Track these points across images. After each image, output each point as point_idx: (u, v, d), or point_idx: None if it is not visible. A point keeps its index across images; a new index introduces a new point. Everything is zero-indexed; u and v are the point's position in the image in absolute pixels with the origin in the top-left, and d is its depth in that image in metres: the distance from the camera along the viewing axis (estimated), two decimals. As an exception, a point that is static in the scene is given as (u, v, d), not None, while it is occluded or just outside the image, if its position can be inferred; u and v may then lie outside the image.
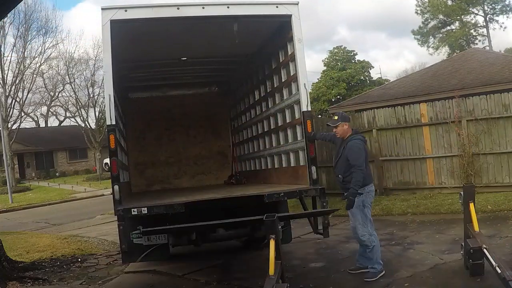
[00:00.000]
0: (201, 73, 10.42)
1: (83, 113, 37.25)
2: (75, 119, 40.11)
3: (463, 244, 5.47)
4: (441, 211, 9.62)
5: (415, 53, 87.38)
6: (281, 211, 6.81)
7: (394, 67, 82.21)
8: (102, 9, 5.86)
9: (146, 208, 5.59)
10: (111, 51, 5.86)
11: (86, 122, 37.07)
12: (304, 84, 6.36)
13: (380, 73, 46.18)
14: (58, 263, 8.02)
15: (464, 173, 10.72)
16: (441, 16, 42.34)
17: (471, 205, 5.34)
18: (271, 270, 4.44)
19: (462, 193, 5.45)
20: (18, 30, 31.81)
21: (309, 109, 6.41)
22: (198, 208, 5.96)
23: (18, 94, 33.36)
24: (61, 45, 35.12)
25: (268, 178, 8.53)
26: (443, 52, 42.69)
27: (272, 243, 4.58)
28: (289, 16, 6.36)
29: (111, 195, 5.85)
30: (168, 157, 11.22)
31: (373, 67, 35.38)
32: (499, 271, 4.52)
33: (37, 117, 49.94)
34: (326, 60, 35.59)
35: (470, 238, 5.22)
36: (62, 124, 50.02)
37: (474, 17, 42.76)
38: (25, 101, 35.28)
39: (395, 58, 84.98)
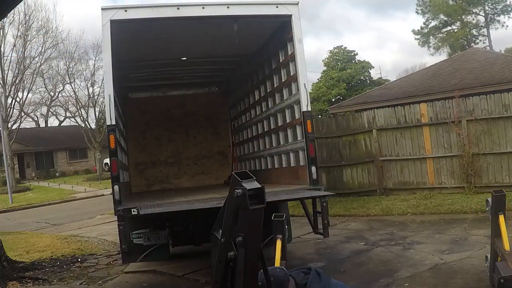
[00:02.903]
0: (201, 73, 10.43)
1: (83, 113, 37.29)
2: (75, 119, 40.14)
3: (488, 263, 4.62)
4: (441, 211, 9.61)
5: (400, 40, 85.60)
6: (281, 210, 6.81)
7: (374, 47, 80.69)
8: (102, 9, 5.87)
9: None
10: (111, 51, 5.86)
11: (86, 122, 37.08)
12: (304, 84, 6.36)
13: (380, 73, 46.15)
14: (58, 263, 8.02)
15: (464, 173, 10.73)
16: (442, 16, 42.33)
17: (501, 218, 4.35)
18: None
19: (489, 200, 4.51)
20: (18, 30, 31.80)
21: (309, 109, 6.41)
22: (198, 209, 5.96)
23: (18, 94, 33.39)
24: (61, 45, 34.85)
25: (268, 178, 8.53)
26: (444, 52, 42.76)
27: (278, 243, 4.53)
28: (289, 16, 6.37)
29: (111, 195, 5.85)
30: (168, 157, 11.22)
31: (373, 67, 35.39)
32: None
33: (37, 117, 50.03)
34: (326, 60, 35.59)
35: (500, 262, 4.28)
36: (62, 124, 50.04)
37: (475, 17, 42.79)
38: (25, 101, 35.34)
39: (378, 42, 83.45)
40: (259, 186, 2.57)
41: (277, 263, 4.45)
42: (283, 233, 4.63)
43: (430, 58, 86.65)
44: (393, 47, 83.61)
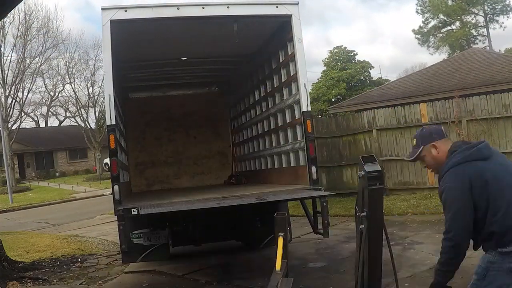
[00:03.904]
0: (201, 73, 10.43)
1: (83, 113, 37.32)
2: (75, 119, 40.19)
3: None
4: (441, 211, 9.53)
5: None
6: (280, 210, 6.80)
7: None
8: (102, 9, 5.86)
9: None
10: (111, 51, 5.86)
11: (86, 122, 37.10)
12: (304, 84, 6.35)
13: (380, 72, 46.28)
14: (58, 263, 8.02)
15: (464, 173, 10.72)
16: (441, 16, 42.36)
17: None
18: (278, 266, 4.42)
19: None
20: (18, 30, 31.82)
21: (309, 109, 6.40)
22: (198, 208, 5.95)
23: (18, 94, 33.41)
24: (62, 45, 34.95)
25: (268, 178, 8.52)
26: (444, 52, 42.79)
27: (280, 241, 4.55)
28: (289, 16, 6.36)
29: (111, 195, 5.84)
30: (168, 157, 11.22)
31: (373, 67, 35.43)
32: None
33: (37, 117, 50.06)
34: (326, 60, 35.61)
35: None
36: (62, 124, 50.06)
37: (475, 17, 42.82)
38: (25, 101, 35.36)
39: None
40: (379, 169, 2.90)
41: (279, 261, 4.45)
42: (285, 231, 4.63)
43: (430, 57, 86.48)
44: (391, 41, 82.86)
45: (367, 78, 34.66)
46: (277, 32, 7.15)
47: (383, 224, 3.05)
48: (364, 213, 2.98)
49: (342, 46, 35.59)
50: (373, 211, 2.96)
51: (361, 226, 2.99)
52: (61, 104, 43.15)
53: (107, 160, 29.31)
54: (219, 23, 6.64)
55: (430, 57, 79.61)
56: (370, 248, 2.99)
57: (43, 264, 8.01)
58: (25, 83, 33.94)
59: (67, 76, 37.12)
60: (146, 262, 7.03)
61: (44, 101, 42.63)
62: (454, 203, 2.75)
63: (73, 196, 25.99)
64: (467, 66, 17.45)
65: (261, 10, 6.49)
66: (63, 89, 39.18)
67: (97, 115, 37.81)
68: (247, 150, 10.10)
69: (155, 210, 5.41)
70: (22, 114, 35.94)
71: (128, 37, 6.72)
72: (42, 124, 50.83)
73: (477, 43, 41.96)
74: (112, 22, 5.80)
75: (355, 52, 35.58)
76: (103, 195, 24.05)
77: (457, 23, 42.79)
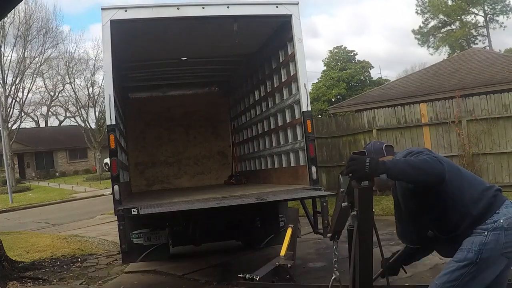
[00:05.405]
0: (201, 73, 10.43)
1: (83, 113, 37.31)
2: (75, 119, 40.17)
3: None
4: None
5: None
6: (281, 210, 6.82)
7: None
8: (102, 9, 5.87)
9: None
10: (111, 51, 5.86)
11: (86, 122, 37.08)
12: (304, 84, 6.36)
13: (380, 72, 46.30)
14: (58, 263, 8.02)
15: (464, 173, 10.73)
16: (441, 16, 42.34)
17: None
18: (283, 252, 4.49)
19: None
20: (18, 30, 31.81)
21: (309, 109, 6.40)
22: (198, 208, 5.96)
23: (18, 94, 33.42)
24: (62, 45, 35.04)
25: (268, 178, 8.53)
26: (444, 52, 42.77)
27: (289, 231, 4.63)
28: (289, 16, 6.36)
29: (111, 195, 5.85)
30: (168, 157, 11.23)
31: (373, 67, 35.45)
32: None
33: (37, 117, 50.01)
34: (326, 60, 35.62)
35: None
36: (62, 124, 50.03)
37: (475, 17, 42.81)
38: (25, 101, 35.36)
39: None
40: None
41: (284, 249, 4.55)
42: (295, 224, 4.68)
43: (430, 57, 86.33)
44: (387, 34, 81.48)
45: (367, 78, 34.67)
46: (277, 32, 7.15)
47: (374, 224, 3.03)
48: (354, 213, 2.98)
49: (342, 46, 35.66)
50: (363, 210, 2.93)
51: (343, 204, 2.98)
52: (61, 104, 43.11)
53: (107, 160, 29.34)
54: (219, 23, 6.64)
55: (430, 57, 79.41)
56: (360, 248, 2.98)
57: (43, 264, 8.01)
58: (25, 83, 34.00)
59: (67, 76, 37.13)
60: (146, 262, 7.02)
61: (44, 101, 42.61)
62: (425, 152, 2.80)
63: (73, 196, 25.99)
64: (467, 66, 17.44)
65: (261, 10, 6.50)
66: (63, 89, 39.17)
67: (97, 115, 37.81)
68: (247, 150, 10.10)
69: (155, 210, 5.41)
70: (22, 114, 35.95)
71: (128, 37, 6.72)
72: (42, 124, 50.82)
73: (477, 43, 41.96)
74: (112, 22, 5.80)
75: (355, 52, 35.63)
76: (103, 195, 24.05)
77: (457, 23, 42.76)
